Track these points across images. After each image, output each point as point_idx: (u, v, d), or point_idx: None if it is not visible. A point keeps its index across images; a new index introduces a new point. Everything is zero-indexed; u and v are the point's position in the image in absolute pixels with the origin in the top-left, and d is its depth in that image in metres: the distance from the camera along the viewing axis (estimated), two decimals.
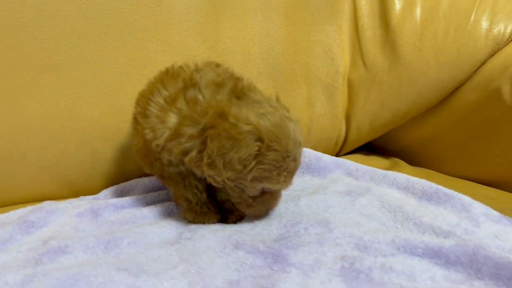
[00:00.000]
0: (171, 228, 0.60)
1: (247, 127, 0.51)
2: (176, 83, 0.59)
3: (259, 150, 0.52)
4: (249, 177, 0.53)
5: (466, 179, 0.90)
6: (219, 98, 0.55)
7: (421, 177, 0.81)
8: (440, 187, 0.70)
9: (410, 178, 0.73)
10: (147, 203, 0.70)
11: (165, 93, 0.58)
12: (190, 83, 0.58)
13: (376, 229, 0.58)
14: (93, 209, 0.66)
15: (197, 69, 0.61)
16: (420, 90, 0.91)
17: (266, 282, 0.48)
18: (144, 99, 0.60)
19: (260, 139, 0.52)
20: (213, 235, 0.58)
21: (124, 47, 0.79)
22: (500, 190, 0.82)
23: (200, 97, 0.56)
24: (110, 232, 0.59)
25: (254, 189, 0.56)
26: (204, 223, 0.62)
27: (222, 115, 0.52)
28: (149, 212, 0.67)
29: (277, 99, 0.59)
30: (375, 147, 1.10)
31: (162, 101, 0.58)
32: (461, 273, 0.50)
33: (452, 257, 0.51)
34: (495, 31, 0.85)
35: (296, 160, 0.56)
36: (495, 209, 0.68)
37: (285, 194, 0.66)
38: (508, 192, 0.82)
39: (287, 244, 0.56)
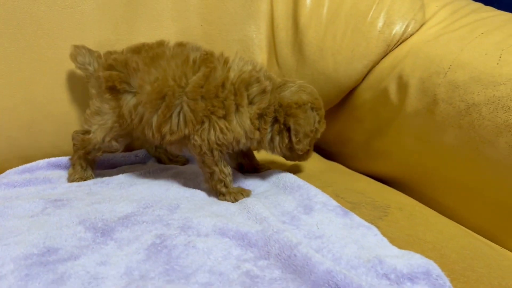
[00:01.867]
0: (39, 203, 0.69)
1: (308, 105, 0.73)
2: (262, 95, 0.72)
3: (318, 115, 0.75)
4: (317, 135, 0.77)
5: (369, 174, 0.94)
6: (274, 95, 0.74)
7: (326, 169, 0.92)
8: (298, 179, 0.75)
9: (280, 173, 0.79)
10: (38, 182, 0.79)
11: (246, 102, 0.72)
12: (271, 90, 0.74)
13: (212, 214, 0.65)
14: None
15: (265, 76, 0.75)
16: (321, 88, 0.94)
17: (78, 251, 0.56)
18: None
19: (315, 108, 0.74)
20: (68, 212, 0.66)
21: (38, 45, 0.88)
22: (382, 185, 0.86)
23: (270, 98, 0.73)
24: None
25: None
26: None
27: (288, 105, 0.72)
28: (34, 190, 0.76)
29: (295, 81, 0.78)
30: None
31: (252, 119, 0.72)
32: (254, 253, 0.56)
33: (253, 240, 0.58)
34: (386, 32, 0.88)
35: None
36: (354, 201, 0.74)
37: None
38: (395, 188, 0.86)
39: (123, 223, 0.63)
